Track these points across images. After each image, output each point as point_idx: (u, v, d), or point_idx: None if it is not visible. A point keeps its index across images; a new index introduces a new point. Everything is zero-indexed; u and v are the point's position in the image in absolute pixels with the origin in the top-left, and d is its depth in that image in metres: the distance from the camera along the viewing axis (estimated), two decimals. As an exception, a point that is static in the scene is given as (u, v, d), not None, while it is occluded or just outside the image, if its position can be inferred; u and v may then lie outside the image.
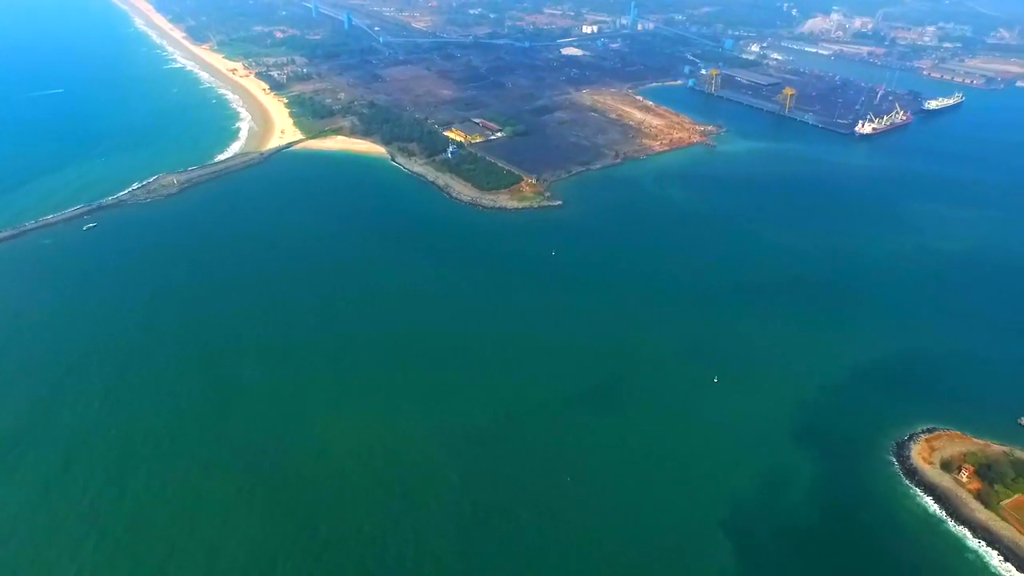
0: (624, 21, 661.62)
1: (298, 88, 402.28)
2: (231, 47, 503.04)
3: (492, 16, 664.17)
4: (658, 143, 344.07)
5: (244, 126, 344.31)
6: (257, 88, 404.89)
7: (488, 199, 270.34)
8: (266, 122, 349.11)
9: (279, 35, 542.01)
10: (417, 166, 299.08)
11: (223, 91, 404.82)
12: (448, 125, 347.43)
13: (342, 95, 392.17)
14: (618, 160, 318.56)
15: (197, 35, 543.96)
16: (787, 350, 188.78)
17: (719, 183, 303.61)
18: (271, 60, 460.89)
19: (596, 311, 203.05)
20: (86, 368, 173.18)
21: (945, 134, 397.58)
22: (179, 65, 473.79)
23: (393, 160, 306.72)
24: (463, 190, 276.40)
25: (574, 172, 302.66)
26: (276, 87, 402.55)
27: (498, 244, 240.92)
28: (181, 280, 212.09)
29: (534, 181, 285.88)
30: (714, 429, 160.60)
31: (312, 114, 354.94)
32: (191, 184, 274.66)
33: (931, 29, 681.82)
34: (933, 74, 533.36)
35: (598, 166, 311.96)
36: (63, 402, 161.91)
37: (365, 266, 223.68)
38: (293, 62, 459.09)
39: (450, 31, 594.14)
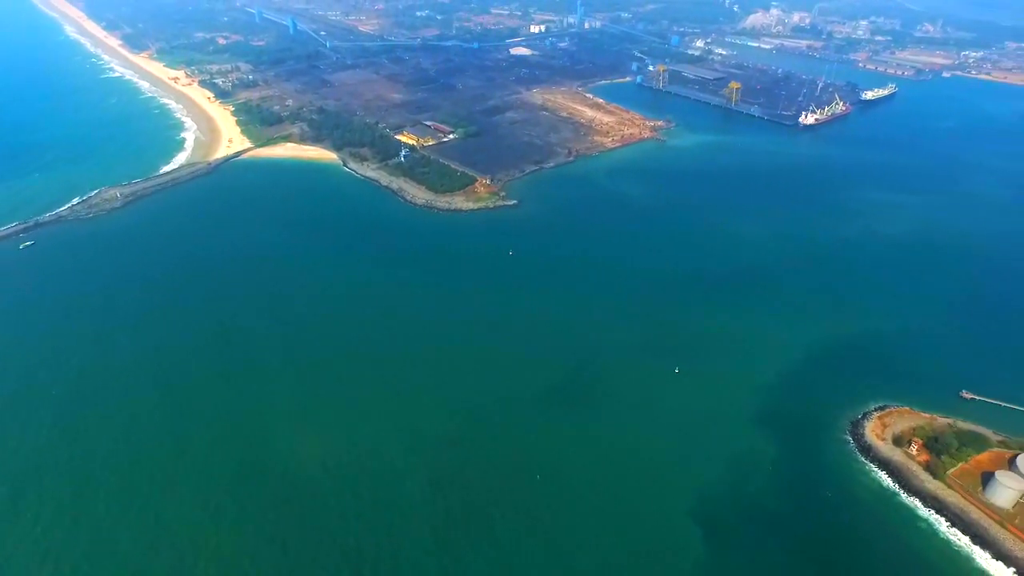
0: (571, 20, 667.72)
1: (244, 95, 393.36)
2: (172, 55, 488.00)
3: (439, 18, 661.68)
4: (610, 140, 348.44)
5: (189, 136, 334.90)
6: (201, 96, 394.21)
7: (443, 201, 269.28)
8: (212, 131, 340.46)
9: (222, 41, 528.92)
10: (370, 171, 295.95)
11: (165, 100, 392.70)
12: (399, 129, 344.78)
13: (290, 101, 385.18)
14: (571, 158, 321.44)
15: (134, 43, 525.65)
16: (744, 337, 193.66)
17: (671, 177, 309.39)
18: (215, 67, 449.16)
19: (556, 308, 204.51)
20: (33, 395, 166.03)
21: (882, 123, 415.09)
22: (117, 74, 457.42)
23: (345, 166, 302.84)
24: (417, 193, 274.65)
25: (528, 171, 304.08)
26: (221, 95, 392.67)
27: (455, 246, 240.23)
28: (129, 297, 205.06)
29: (488, 181, 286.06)
30: (677, 419, 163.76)
31: (260, 121, 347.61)
32: (136, 197, 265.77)
33: (864, 23, 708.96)
34: (868, 66, 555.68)
35: (551, 164, 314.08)
36: (9, 433, 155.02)
37: (321, 274, 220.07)
38: (238, 69, 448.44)
39: (398, 34, 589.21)
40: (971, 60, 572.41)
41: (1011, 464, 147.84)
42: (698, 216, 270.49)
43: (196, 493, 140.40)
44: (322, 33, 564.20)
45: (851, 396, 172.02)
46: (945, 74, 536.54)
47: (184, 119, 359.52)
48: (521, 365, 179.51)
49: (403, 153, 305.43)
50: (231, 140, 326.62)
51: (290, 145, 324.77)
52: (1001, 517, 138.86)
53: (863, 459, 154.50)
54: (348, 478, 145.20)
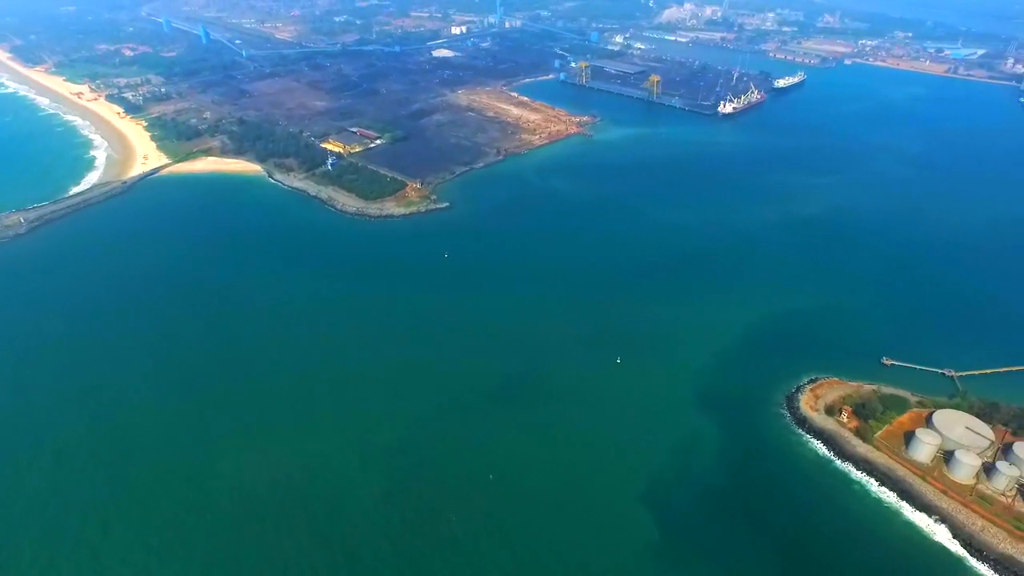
0: (492, 20, 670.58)
1: (157, 109, 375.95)
2: (72, 68, 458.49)
3: (359, 22, 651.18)
4: (537, 137, 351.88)
5: (100, 154, 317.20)
6: (110, 112, 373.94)
7: (375, 208, 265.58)
8: (125, 148, 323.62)
9: (128, 53, 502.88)
10: (297, 181, 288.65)
11: (70, 117, 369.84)
12: (325, 136, 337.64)
13: (208, 114, 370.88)
14: (500, 157, 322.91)
15: (27, 56, 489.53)
16: (681, 323, 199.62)
17: (600, 170, 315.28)
18: (123, 81, 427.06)
19: (496, 308, 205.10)
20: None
21: (794, 109, 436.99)
22: (10, 90, 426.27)
23: (271, 177, 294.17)
24: (348, 201, 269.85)
25: (458, 173, 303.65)
26: (132, 110, 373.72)
27: (390, 252, 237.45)
28: (47, 328, 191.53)
29: (419, 185, 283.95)
30: (622, 408, 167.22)
31: (177, 136, 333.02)
32: (43, 222, 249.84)
33: (771, 15, 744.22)
34: (778, 55, 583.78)
35: (481, 165, 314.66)
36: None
37: (255, 291, 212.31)
38: (148, 82, 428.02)
39: (316, 40, 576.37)
40: (868, 48, 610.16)
41: (928, 422, 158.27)
42: (629, 208, 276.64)
43: (137, 529, 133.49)
44: (237, 42, 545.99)
45: (784, 371, 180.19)
46: (847, 61, 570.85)
47: (92, 136, 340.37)
48: (465, 368, 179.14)
49: (330, 161, 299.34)
50: (147, 157, 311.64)
51: (211, 159, 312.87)
52: (923, 472, 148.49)
53: (799, 431, 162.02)
54: (299, 495, 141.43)
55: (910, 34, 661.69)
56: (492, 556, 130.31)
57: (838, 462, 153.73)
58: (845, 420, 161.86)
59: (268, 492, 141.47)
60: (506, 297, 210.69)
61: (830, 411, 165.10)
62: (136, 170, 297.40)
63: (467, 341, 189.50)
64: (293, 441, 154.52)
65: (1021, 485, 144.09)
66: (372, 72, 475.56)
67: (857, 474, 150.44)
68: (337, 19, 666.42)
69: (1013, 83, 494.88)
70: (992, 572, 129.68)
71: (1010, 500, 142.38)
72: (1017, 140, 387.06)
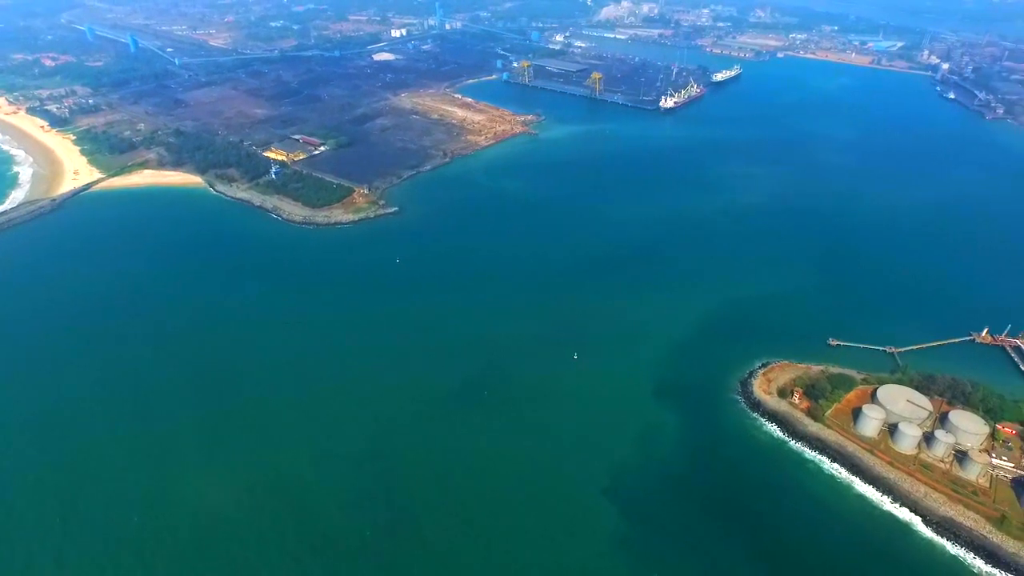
0: (432, 22, 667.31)
1: (86, 122, 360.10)
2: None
3: (296, 28, 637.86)
4: (483, 138, 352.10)
5: (25, 171, 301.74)
6: (32, 126, 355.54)
7: (322, 216, 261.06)
8: (52, 164, 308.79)
9: (49, 63, 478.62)
10: (240, 192, 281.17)
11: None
12: (267, 145, 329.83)
13: (142, 125, 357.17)
14: (447, 159, 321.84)
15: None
16: (635, 316, 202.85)
17: (548, 168, 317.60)
18: (45, 92, 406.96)
19: (451, 311, 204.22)
20: None
21: (733, 101, 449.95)
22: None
23: (213, 189, 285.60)
24: (294, 210, 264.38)
25: (405, 176, 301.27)
26: (57, 123, 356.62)
27: (340, 259, 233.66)
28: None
29: (366, 191, 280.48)
30: (582, 403, 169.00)
31: (109, 149, 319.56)
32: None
33: (706, 11, 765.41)
34: (714, 50, 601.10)
35: (428, 167, 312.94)
36: None
37: (202, 306, 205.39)
38: (74, 93, 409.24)
39: (253, 47, 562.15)
40: (798, 41, 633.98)
41: (873, 398, 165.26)
42: (578, 205, 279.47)
43: (94, 561, 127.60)
44: (169, 50, 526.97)
45: (737, 358, 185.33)
46: (779, 54, 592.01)
47: (14, 152, 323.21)
48: (424, 373, 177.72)
49: (274, 170, 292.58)
50: (77, 172, 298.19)
51: (148, 172, 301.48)
52: (870, 445, 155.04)
53: (754, 414, 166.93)
54: (265, 509, 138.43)
55: (836, 28, 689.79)
56: (463, 557, 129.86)
57: (792, 442, 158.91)
58: (797, 401, 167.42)
59: (233, 510, 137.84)
60: (461, 300, 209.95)
61: (782, 393, 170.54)
62: (66, 186, 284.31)
63: (423, 346, 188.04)
64: (254, 458, 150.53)
65: (957, 451, 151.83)
66: (312, 78, 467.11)
67: (811, 453, 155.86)
68: (273, 24, 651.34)
69: (929, 73, 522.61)
70: (935, 534, 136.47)
71: (948, 466, 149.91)
72: (936, 125, 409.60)
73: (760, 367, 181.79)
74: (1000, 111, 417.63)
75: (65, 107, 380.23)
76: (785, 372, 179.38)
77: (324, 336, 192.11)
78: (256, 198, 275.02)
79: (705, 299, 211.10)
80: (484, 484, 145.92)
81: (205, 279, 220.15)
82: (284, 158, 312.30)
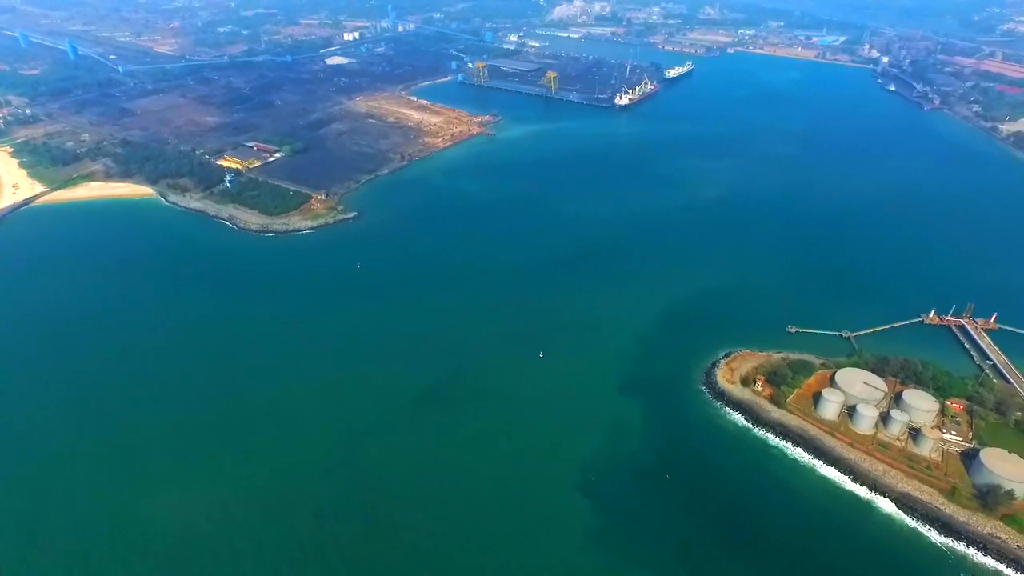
0: (384, 24, 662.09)
1: (24, 133, 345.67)
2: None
3: (245, 32, 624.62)
4: (440, 140, 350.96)
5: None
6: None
7: (280, 223, 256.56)
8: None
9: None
10: (194, 202, 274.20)
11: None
12: (220, 153, 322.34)
13: (86, 136, 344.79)
14: (405, 162, 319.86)
15: None
16: (599, 312, 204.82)
17: (506, 168, 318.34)
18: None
19: (415, 314, 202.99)
20: None
21: (687, 97, 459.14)
22: None
23: (165, 199, 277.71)
24: (251, 219, 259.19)
25: (363, 181, 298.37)
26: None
27: (301, 267, 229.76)
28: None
29: (324, 197, 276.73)
30: (549, 401, 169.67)
31: (51, 162, 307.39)
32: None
33: (656, 9, 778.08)
34: (666, 47, 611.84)
35: (386, 171, 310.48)
36: None
37: (160, 319, 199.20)
38: (8, 103, 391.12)
39: (201, 53, 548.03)
40: (747, 37, 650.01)
41: (832, 381, 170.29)
42: (538, 203, 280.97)
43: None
44: (112, 57, 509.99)
45: (700, 349, 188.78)
46: (729, 50, 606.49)
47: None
48: (390, 378, 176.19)
49: (228, 179, 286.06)
50: (16, 186, 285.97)
51: (95, 184, 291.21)
52: (831, 428, 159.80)
53: (718, 404, 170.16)
54: (241, 523, 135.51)
55: (782, 23, 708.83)
56: (442, 559, 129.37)
57: (756, 430, 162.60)
58: (759, 389, 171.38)
59: (207, 525, 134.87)
60: (424, 303, 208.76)
61: (745, 382, 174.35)
62: (5, 201, 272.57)
63: (389, 351, 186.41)
64: (225, 471, 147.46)
65: (911, 429, 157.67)
66: (264, 83, 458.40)
67: (775, 439, 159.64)
68: (221, 30, 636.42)
69: (871, 66, 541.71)
70: (895, 509, 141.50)
71: (903, 443, 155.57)
72: (878, 116, 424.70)
73: (723, 357, 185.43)
74: (937, 102, 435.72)
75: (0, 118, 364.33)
76: (747, 361, 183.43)
77: (287, 345, 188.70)
78: (211, 208, 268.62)
79: (667, 292, 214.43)
80: (457, 485, 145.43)
81: (162, 292, 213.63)
82: (239, 166, 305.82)
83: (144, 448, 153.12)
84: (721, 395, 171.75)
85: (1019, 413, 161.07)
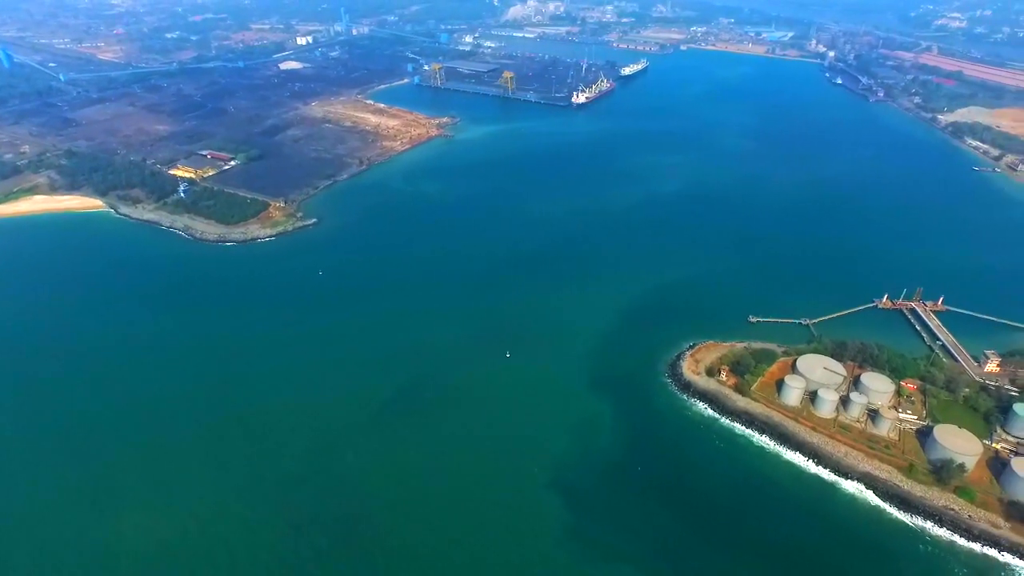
0: (338, 28, 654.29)
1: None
2: None
3: (194, 39, 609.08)
4: (399, 143, 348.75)
5: None
6: None
7: (238, 232, 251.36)
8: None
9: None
10: (147, 213, 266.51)
11: None
12: (172, 163, 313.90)
13: (26, 147, 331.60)
14: (364, 167, 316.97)
15: None
16: (563, 309, 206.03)
17: (466, 170, 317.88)
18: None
19: (378, 319, 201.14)
20: None
21: (642, 94, 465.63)
22: None
23: (116, 212, 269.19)
24: (207, 228, 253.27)
25: (322, 187, 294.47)
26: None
27: (261, 276, 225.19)
28: None
29: (282, 204, 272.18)
30: (518, 401, 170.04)
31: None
32: None
33: (610, 8, 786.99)
34: (620, 45, 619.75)
35: (345, 176, 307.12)
36: None
37: (116, 336, 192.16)
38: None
39: (148, 60, 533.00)
40: (699, 34, 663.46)
41: (793, 368, 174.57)
42: (499, 203, 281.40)
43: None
44: (51, 64, 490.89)
45: (665, 341, 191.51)
46: (682, 47, 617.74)
47: None
48: (356, 385, 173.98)
49: (182, 188, 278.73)
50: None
51: (39, 198, 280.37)
52: (794, 414, 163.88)
53: (684, 395, 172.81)
54: (215, 538, 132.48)
55: (732, 20, 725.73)
56: (415, 564, 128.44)
57: (723, 419, 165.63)
58: (724, 379, 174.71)
59: (180, 543, 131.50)
60: (388, 308, 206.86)
61: (710, 372, 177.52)
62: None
63: (354, 358, 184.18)
64: (194, 487, 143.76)
65: (870, 410, 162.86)
66: (216, 90, 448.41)
67: (741, 427, 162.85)
68: (169, 36, 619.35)
69: (818, 60, 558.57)
70: (858, 488, 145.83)
71: (863, 425, 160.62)
72: (827, 108, 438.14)
73: (687, 349, 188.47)
74: (881, 94, 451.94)
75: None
76: (711, 352, 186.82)
77: (250, 356, 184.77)
78: (165, 219, 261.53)
79: (630, 288, 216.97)
80: (430, 488, 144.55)
81: (119, 307, 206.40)
82: (192, 175, 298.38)
83: (112, 468, 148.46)
84: (687, 386, 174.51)
85: (967, 390, 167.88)
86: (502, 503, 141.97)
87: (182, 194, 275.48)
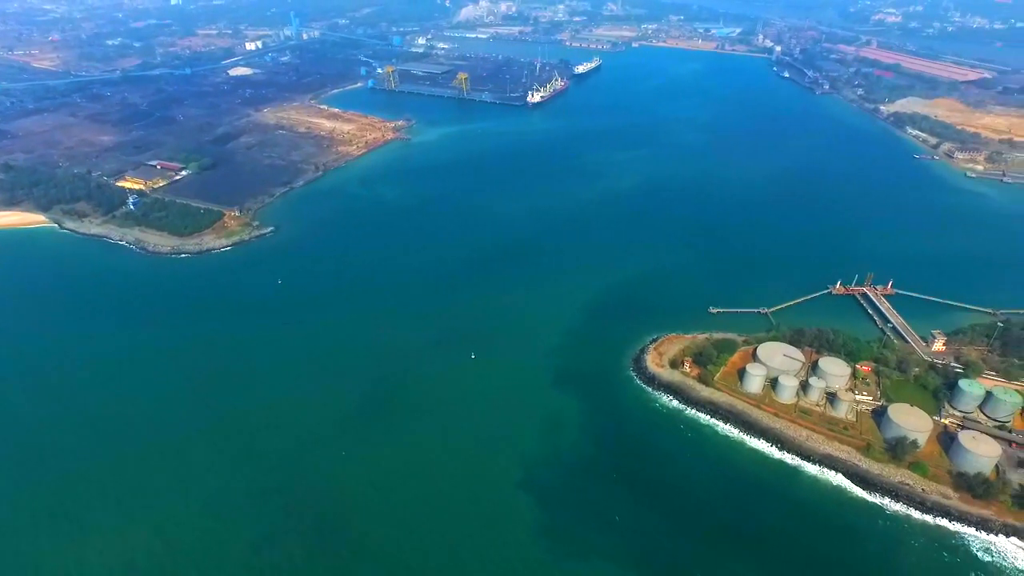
0: (288, 32, 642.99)
1: None
2: None
3: (137, 45, 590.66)
4: (355, 148, 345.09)
5: None
6: None
7: (192, 244, 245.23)
8: None
9: None
10: (95, 227, 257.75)
11: None
12: (120, 174, 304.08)
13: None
14: (320, 173, 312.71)
15: None
16: (526, 308, 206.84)
17: (424, 172, 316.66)
18: None
19: (341, 326, 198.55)
20: None
21: (597, 92, 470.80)
22: None
23: (61, 227, 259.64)
24: (160, 241, 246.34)
25: (278, 194, 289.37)
26: None
27: (218, 287, 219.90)
28: None
29: (238, 213, 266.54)
30: (485, 400, 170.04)
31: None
32: None
33: (561, 7, 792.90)
34: (573, 44, 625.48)
35: (301, 183, 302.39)
36: None
37: (69, 357, 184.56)
38: None
39: (89, 68, 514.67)
40: (650, 32, 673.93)
41: (754, 357, 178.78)
42: (459, 204, 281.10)
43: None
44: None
45: (628, 336, 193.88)
46: (634, 44, 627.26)
47: None
48: (323, 392, 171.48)
49: (131, 200, 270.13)
50: None
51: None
52: (756, 401, 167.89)
53: (649, 388, 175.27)
54: (184, 556, 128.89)
55: (681, 17, 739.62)
56: (387, 570, 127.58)
57: (688, 410, 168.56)
58: (687, 370, 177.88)
59: (147, 563, 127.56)
60: (350, 314, 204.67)
61: (673, 364, 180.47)
62: None
63: (317, 367, 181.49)
64: (158, 505, 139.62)
65: (828, 394, 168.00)
66: (163, 98, 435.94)
67: (706, 417, 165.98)
68: (110, 43, 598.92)
69: (766, 55, 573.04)
70: (819, 470, 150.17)
71: (822, 408, 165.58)
72: (776, 101, 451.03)
73: (650, 342, 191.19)
74: (826, 87, 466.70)
75: None
76: (674, 344, 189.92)
77: (212, 369, 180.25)
78: (115, 232, 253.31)
79: (592, 283, 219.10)
80: (400, 494, 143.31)
81: (70, 324, 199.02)
82: (142, 186, 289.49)
83: (72, 488, 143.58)
84: (652, 379, 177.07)
85: (917, 369, 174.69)
86: (476, 503, 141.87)
87: (132, 206, 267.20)
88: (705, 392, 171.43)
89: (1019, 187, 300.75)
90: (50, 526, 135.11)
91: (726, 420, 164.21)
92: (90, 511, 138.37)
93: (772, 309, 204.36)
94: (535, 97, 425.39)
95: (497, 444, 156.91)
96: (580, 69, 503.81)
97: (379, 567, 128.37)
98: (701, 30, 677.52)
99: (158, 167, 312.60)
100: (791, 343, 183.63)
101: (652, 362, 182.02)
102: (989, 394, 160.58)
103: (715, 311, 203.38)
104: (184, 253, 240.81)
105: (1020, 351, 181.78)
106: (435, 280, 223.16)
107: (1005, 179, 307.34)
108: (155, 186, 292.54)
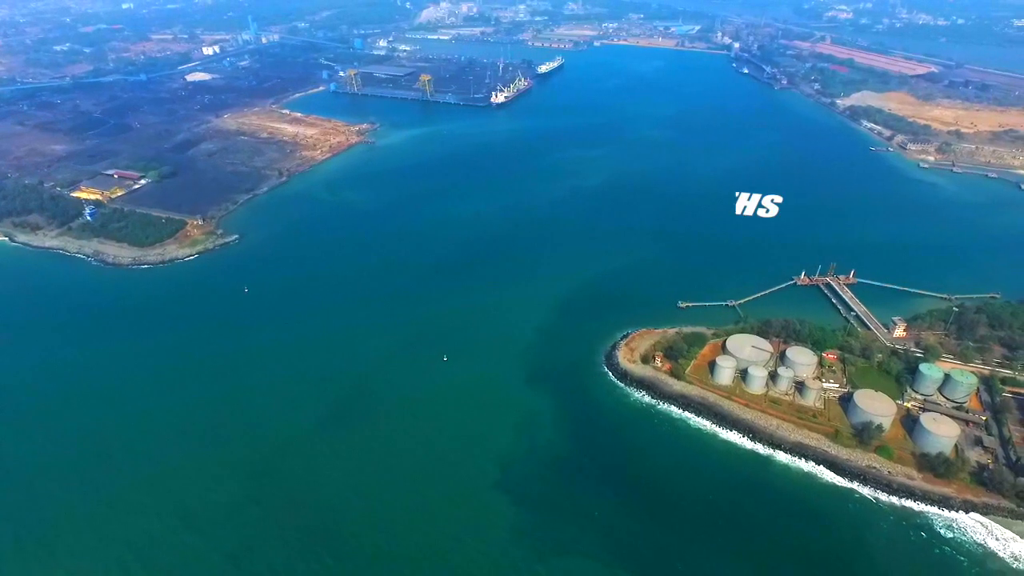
0: (246, 36, 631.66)
1: None
2: None
3: (88, 51, 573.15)
4: (319, 152, 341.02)
5: None
6: None
7: (154, 254, 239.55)
8: None
9: None
10: (49, 240, 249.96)
11: None
12: (75, 184, 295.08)
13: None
14: (284, 178, 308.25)
15: None
16: (497, 308, 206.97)
17: (390, 175, 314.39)
18: None
19: (310, 333, 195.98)
20: None
21: (560, 91, 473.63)
22: None
23: (12, 240, 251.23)
24: (120, 252, 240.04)
25: (242, 201, 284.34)
26: None
27: (183, 298, 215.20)
28: None
29: (201, 221, 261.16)
30: (459, 403, 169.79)
31: None
32: None
33: (522, 7, 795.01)
34: (535, 43, 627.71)
35: (265, 189, 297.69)
36: None
37: (29, 374, 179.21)
38: None
39: (36, 75, 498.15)
40: (611, 30, 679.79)
41: (724, 349, 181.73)
42: (425, 207, 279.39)
43: None
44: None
45: (599, 333, 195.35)
46: (596, 43, 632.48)
47: None
48: (293, 402, 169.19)
49: (88, 211, 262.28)
50: None
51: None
52: (727, 393, 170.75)
53: (622, 384, 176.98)
54: (156, 568, 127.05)
55: (642, 15, 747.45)
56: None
57: (661, 404, 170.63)
58: (659, 365, 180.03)
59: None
60: (319, 320, 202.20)
61: (645, 359, 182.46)
62: None
63: (287, 376, 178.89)
64: (116, 526, 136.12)
65: (796, 383, 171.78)
66: (118, 105, 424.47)
67: (678, 411, 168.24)
68: (58, 48, 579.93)
69: (725, 52, 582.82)
70: (790, 458, 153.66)
71: (791, 397, 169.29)
72: (737, 97, 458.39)
73: (622, 338, 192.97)
74: (785, 82, 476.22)
75: None
76: (645, 339, 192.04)
77: (179, 380, 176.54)
78: (71, 244, 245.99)
79: (562, 282, 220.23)
80: (377, 499, 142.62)
81: (28, 340, 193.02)
82: (99, 197, 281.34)
83: (40, 512, 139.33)
84: (624, 375, 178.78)
85: (880, 355, 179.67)
86: (455, 504, 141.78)
87: (88, 217, 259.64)
88: (677, 386, 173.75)
89: (967, 176, 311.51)
90: (16, 553, 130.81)
91: (699, 413, 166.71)
92: (59, 533, 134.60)
93: (740, 301, 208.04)
94: (499, 98, 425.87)
95: (473, 444, 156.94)
96: (543, 69, 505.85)
97: (360, 572, 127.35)
98: (661, 28, 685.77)
99: (115, 176, 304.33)
100: (759, 334, 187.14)
101: (624, 358, 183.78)
102: (947, 377, 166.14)
103: (684, 305, 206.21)
104: (146, 264, 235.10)
105: (973, 334, 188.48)
106: (404, 283, 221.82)
107: (955, 169, 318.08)
108: (113, 196, 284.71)
